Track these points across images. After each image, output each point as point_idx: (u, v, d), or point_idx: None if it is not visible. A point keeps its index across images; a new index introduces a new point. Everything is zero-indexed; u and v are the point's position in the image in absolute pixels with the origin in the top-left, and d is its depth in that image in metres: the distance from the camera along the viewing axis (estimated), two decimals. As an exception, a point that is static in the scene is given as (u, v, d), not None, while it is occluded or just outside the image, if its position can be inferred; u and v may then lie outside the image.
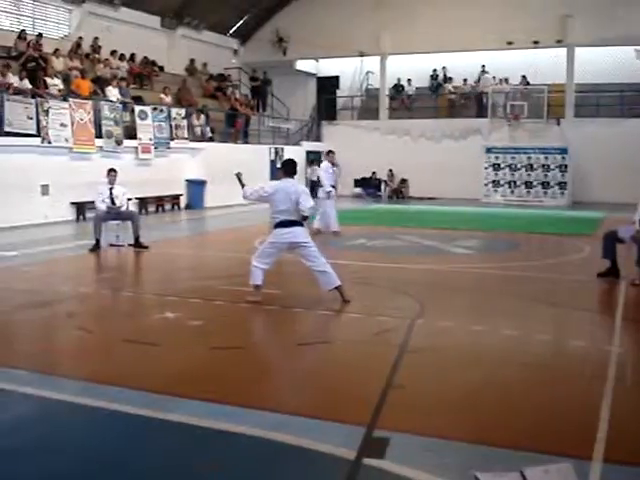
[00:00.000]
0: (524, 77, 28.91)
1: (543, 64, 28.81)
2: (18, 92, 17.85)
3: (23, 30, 21.26)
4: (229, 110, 27.77)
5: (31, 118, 17.79)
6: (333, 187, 16.30)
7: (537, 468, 4.08)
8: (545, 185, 27.52)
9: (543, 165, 27.49)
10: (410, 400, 5.37)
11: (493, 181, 28.37)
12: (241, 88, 31.62)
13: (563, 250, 14.73)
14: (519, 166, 27.91)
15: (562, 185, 27.20)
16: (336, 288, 8.74)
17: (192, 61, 29.48)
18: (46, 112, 18.16)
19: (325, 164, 16.47)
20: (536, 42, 28.05)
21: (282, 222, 8.68)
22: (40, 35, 21.41)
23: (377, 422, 4.83)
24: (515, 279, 10.94)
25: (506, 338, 7.16)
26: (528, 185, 27.80)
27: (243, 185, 9.14)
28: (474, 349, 6.80)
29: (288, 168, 9.04)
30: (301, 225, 8.78)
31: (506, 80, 29.40)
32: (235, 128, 27.42)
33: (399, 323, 7.66)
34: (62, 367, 6.33)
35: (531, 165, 27.72)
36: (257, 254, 8.87)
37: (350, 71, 33.01)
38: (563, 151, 27.15)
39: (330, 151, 16.59)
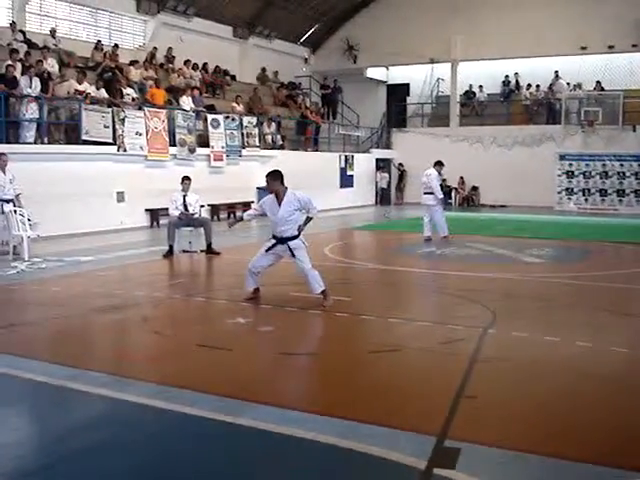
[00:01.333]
0: (598, 82, 28.32)
1: (618, 69, 28.20)
2: (95, 102, 18.32)
3: (99, 41, 21.86)
4: (300, 118, 27.97)
5: (107, 127, 18.25)
6: (431, 194, 16.61)
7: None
8: (620, 193, 26.90)
9: (618, 172, 26.88)
10: (482, 411, 5.31)
11: (567, 189, 27.86)
12: (311, 96, 31.84)
13: (639, 260, 14.37)
14: (593, 173, 27.36)
15: (638, 193, 26.54)
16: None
17: (263, 70, 29.81)
18: (122, 121, 18.61)
19: (434, 173, 16.60)
20: (611, 47, 27.48)
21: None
22: (116, 46, 21.99)
23: (448, 432, 4.78)
24: (589, 289, 10.71)
25: (580, 349, 7.00)
26: (603, 193, 27.21)
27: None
28: (547, 360, 6.66)
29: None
30: None
31: (580, 86, 28.86)
32: (306, 136, 27.61)
33: (471, 332, 7.59)
34: (136, 370, 6.43)
35: (606, 172, 27.12)
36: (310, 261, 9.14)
37: (420, 78, 32.89)
38: (639, 158, 26.48)
39: (439, 162, 16.81)
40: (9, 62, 16.85)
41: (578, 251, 15.31)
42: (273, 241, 9.10)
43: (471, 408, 5.33)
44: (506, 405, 5.46)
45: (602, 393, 5.78)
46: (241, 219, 10.26)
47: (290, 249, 8.95)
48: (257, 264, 9.23)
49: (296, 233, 8.98)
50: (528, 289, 10.65)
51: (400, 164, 31.84)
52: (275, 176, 9.00)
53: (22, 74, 16.98)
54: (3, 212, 13.55)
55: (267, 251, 9.15)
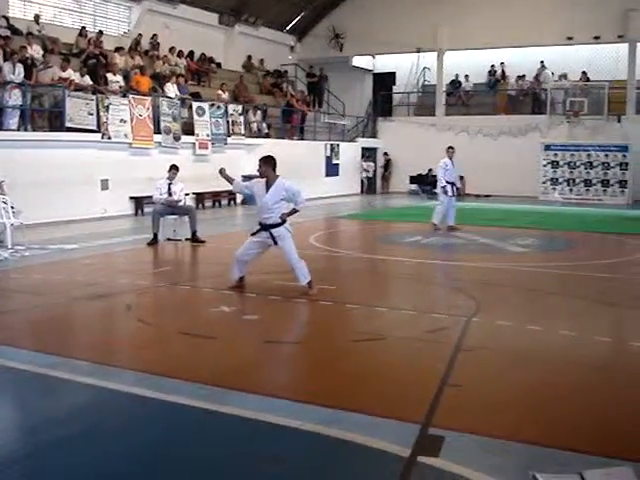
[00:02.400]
0: (584, 73, 28.34)
1: (604, 59, 28.26)
2: (79, 88, 18.16)
3: (84, 27, 21.63)
4: (285, 106, 27.88)
5: (91, 114, 18.09)
6: (450, 183, 16.47)
7: (597, 471, 4.00)
8: (605, 183, 26.94)
9: (603, 163, 26.90)
10: (466, 399, 5.32)
11: (551, 179, 27.88)
12: (297, 84, 31.73)
13: (622, 250, 14.45)
14: (578, 164, 27.36)
15: (622, 183, 26.58)
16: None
17: (249, 57, 29.67)
18: (106, 108, 18.46)
19: (442, 161, 16.46)
20: (597, 37, 27.49)
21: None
22: (100, 32, 21.77)
23: (432, 420, 4.79)
24: (573, 278, 10.74)
25: (564, 338, 7.02)
26: (587, 183, 27.25)
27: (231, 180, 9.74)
28: (531, 349, 6.69)
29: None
30: None
31: (565, 76, 28.87)
32: (291, 124, 27.54)
33: (455, 321, 7.60)
34: (120, 358, 6.42)
35: (590, 163, 27.15)
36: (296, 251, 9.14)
37: (406, 67, 32.79)
38: (624, 149, 26.52)
39: (450, 147, 16.61)
40: (-8, 48, 16.70)
41: (562, 241, 15.37)
42: (258, 227, 9.14)
43: (456, 396, 5.34)
44: (490, 393, 5.48)
45: (585, 382, 5.81)
46: (231, 180, 9.79)
47: (273, 237, 8.95)
48: (244, 252, 9.21)
49: (279, 221, 8.97)
50: (512, 278, 10.68)
51: (385, 153, 31.82)
52: (267, 161, 9.04)
53: (5, 60, 16.82)
54: (-14, 200, 13.44)
55: (252, 235, 9.19)
